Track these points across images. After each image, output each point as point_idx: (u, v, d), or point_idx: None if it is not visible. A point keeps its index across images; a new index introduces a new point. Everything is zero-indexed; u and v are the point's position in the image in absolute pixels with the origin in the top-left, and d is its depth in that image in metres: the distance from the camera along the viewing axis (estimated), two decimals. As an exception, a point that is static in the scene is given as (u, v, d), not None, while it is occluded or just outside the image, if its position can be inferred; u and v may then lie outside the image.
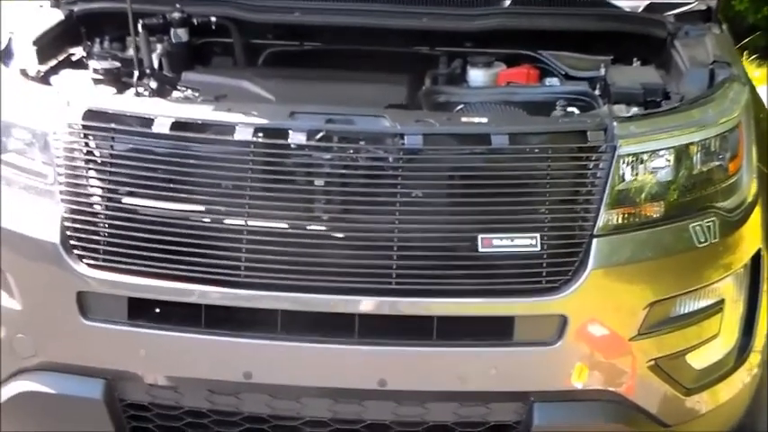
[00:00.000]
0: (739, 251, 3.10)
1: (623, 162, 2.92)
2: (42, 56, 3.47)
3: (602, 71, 3.52)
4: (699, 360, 3.06)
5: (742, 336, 3.16)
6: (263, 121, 2.92)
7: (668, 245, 2.97)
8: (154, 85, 3.34)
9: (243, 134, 2.89)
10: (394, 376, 2.91)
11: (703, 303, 3.03)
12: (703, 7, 3.73)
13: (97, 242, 2.95)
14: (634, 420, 2.99)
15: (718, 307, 3.06)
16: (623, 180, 2.93)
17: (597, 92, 3.40)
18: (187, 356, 2.97)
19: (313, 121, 2.91)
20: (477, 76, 3.58)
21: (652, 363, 2.97)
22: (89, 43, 3.70)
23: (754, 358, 3.22)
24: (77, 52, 3.64)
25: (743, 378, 3.20)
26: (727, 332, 3.11)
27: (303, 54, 3.74)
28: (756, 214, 3.17)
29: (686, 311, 3.01)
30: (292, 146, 2.89)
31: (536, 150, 2.92)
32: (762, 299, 3.18)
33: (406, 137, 2.88)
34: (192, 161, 2.92)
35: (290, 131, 2.89)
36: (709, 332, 3.07)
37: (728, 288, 3.09)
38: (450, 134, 2.95)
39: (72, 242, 2.96)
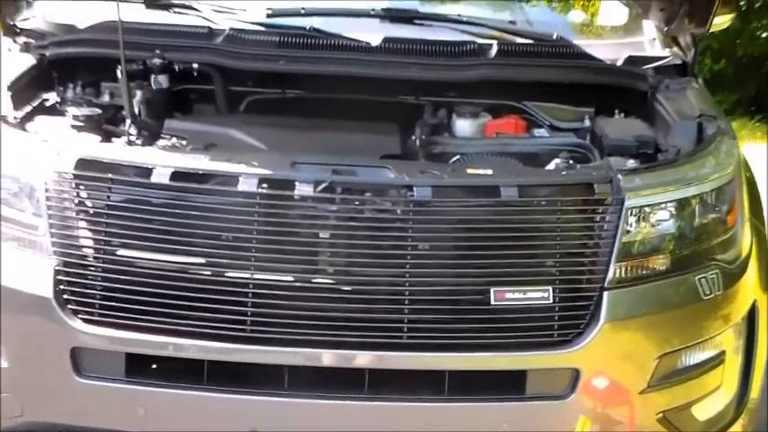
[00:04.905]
0: (739, 303, 3.12)
1: (630, 214, 2.92)
2: (16, 102, 3.34)
3: (587, 122, 3.55)
4: (703, 412, 3.08)
5: (740, 388, 3.18)
6: (268, 172, 2.85)
7: (676, 297, 2.98)
8: (134, 132, 3.24)
9: (247, 185, 2.82)
10: None
11: (708, 355, 3.05)
12: (679, 62, 3.78)
13: (93, 296, 2.85)
14: (643, 474, 2.98)
15: (720, 358, 3.08)
16: (631, 233, 2.93)
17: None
18: (189, 414, 2.87)
19: (319, 173, 2.86)
20: (463, 126, 3.55)
21: (660, 415, 2.97)
22: (62, 89, 3.59)
23: (749, 411, 3.23)
24: (51, 98, 3.53)
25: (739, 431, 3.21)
26: (727, 384, 3.13)
27: (286, 101, 3.67)
28: (751, 267, 3.20)
29: (692, 363, 3.02)
30: (297, 197, 2.83)
31: (543, 203, 2.91)
32: (756, 351, 3.21)
33: (414, 188, 2.84)
34: (193, 212, 2.84)
35: (296, 183, 2.83)
36: (714, 384, 3.08)
37: (729, 340, 3.11)
38: (458, 186, 2.92)
39: (66, 296, 2.85)
